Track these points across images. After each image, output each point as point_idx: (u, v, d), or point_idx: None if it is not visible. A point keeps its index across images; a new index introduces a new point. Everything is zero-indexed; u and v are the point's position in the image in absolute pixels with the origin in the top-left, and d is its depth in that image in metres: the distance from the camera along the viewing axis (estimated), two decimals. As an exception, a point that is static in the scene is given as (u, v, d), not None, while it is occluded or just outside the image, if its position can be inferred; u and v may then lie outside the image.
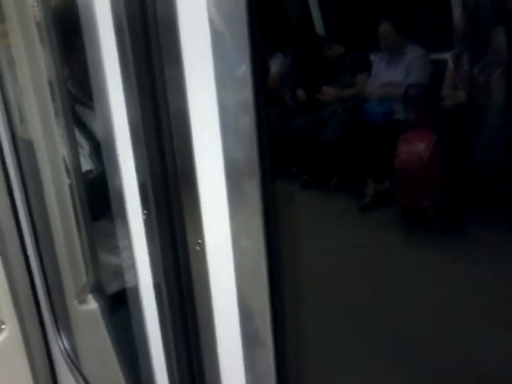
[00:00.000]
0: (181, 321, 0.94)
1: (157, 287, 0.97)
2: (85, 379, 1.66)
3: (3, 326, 1.91)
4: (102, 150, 1.03)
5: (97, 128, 1.62)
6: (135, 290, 1.05)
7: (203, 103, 0.69)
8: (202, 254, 0.81)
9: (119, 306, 1.71)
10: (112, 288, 1.72)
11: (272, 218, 0.68)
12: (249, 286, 0.75)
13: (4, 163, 1.76)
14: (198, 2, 0.64)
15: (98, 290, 1.73)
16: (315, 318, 0.78)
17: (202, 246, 0.80)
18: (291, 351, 0.77)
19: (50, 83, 1.53)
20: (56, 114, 1.55)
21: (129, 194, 0.96)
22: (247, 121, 0.63)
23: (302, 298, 0.77)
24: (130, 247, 1.02)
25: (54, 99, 1.53)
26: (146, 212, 0.90)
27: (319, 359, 0.80)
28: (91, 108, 1.61)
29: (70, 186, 1.59)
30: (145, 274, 0.99)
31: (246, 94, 0.61)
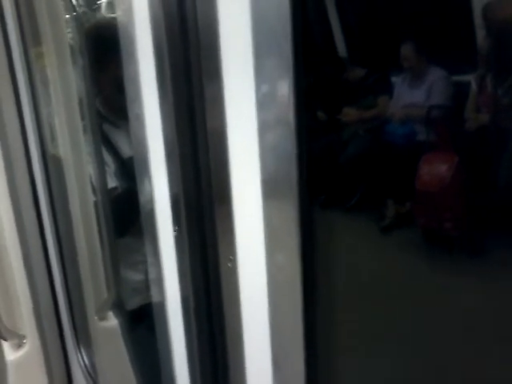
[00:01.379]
0: (208, 340, 0.93)
1: (185, 305, 0.96)
2: (102, 396, 1.66)
3: (24, 341, 1.93)
4: (134, 164, 1.04)
5: (126, 145, 1.66)
6: (161, 307, 1.05)
7: (242, 120, 0.70)
8: (233, 270, 0.81)
9: (140, 323, 1.72)
10: (133, 305, 1.73)
11: (309, 235, 0.68)
12: (282, 305, 0.75)
13: (33, 179, 1.80)
14: (240, 19, 0.65)
15: (118, 306, 1.74)
16: (348, 339, 0.78)
17: (233, 262, 0.80)
18: (323, 373, 0.75)
19: (80, 103, 1.58)
20: (84, 132, 1.59)
21: (160, 209, 0.96)
22: (287, 139, 0.64)
23: (335, 319, 0.77)
24: (155, 263, 1.02)
25: (83, 118, 1.57)
26: (177, 228, 0.91)
27: (351, 380, 0.79)
28: (118, 127, 1.65)
29: (95, 203, 1.62)
30: (172, 291, 0.98)
31: (288, 112, 0.63)
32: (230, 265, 0.81)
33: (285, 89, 0.62)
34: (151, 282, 1.12)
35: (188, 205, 0.86)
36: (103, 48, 1.50)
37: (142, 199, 1.03)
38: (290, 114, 0.62)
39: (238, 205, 0.76)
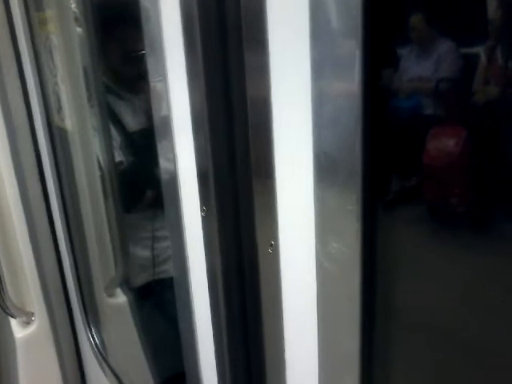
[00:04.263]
0: (242, 342, 0.87)
1: (214, 297, 0.89)
2: (113, 372, 1.74)
3: (33, 318, 2.00)
4: (154, 136, 0.96)
5: (132, 118, 1.69)
6: (186, 300, 0.98)
7: (292, 86, 0.64)
8: (274, 256, 0.75)
9: (148, 299, 1.79)
10: (140, 282, 1.80)
11: (369, 221, 0.63)
12: (335, 300, 0.68)
13: (38, 152, 1.84)
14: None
15: (126, 283, 1.80)
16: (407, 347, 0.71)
17: (275, 247, 0.74)
18: (379, 381, 0.71)
19: (86, 74, 1.60)
20: (91, 105, 1.62)
21: (184, 187, 0.89)
22: (350, 110, 0.59)
23: (394, 317, 0.70)
24: (179, 248, 0.95)
25: (88, 90, 1.60)
26: (204, 208, 0.83)
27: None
28: (124, 99, 1.69)
29: (102, 178, 1.67)
30: (200, 281, 0.91)
31: (352, 79, 0.57)
32: (270, 250, 0.75)
33: (350, 50, 0.57)
34: (175, 270, 1.03)
35: (219, 181, 0.79)
36: (111, 15, 1.53)
37: (163, 174, 0.95)
38: (354, 81, 0.57)
39: (283, 183, 0.70)
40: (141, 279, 1.81)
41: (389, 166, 0.72)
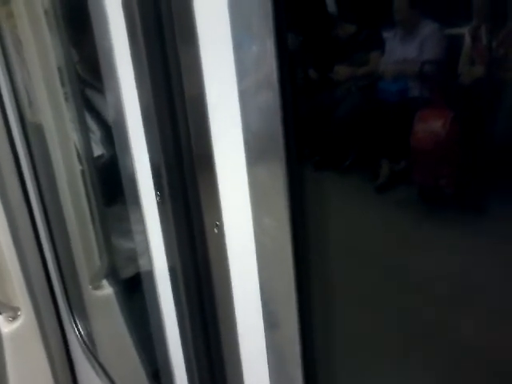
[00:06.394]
0: (198, 307, 0.94)
1: (172, 273, 0.97)
2: (101, 365, 1.71)
3: (19, 313, 1.97)
4: (112, 133, 1.05)
5: (107, 111, 1.65)
6: (150, 275, 1.07)
7: (221, 84, 0.70)
8: (220, 236, 0.81)
9: (134, 291, 1.76)
10: (126, 273, 1.77)
11: (298, 197, 0.67)
12: (272, 269, 0.75)
13: (14, 147, 1.79)
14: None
15: (112, 275, 1.78)
16: (343, 305, 0.77)
17: (219, 227, 0.80)
18: (317, 337, 0.76)
19: (59, 67, 1.55)
20: (66, 99, 1.58)
21: (141, 176, 0.97)
22: (270, 100, 0.63)
23: (329, 283, 0.76)
24: (143, 231, 1.03)
25: (63, 83, 1.55)
26: (159, 194, 0.91)
27: (347, 348, 0.79)
28: (102, 92, 1.63)
29: (82, 171, 1.62)
30: (160, 259, 1.00)
31: (270, 72, 0.62)
32: (216, 230, 0.81)
33: (265, 48, 0.62)
34: (138, 250, 1.14)
35: (169, 171, 0.87)
36: (81, 6, 1.47)
37: (124, 168, 1.04)
38: (272, 75, 0.62)
39: (222, 169, 0.77)
40: (127, 271, 1.78)
41: (314, 142, 0.77)
